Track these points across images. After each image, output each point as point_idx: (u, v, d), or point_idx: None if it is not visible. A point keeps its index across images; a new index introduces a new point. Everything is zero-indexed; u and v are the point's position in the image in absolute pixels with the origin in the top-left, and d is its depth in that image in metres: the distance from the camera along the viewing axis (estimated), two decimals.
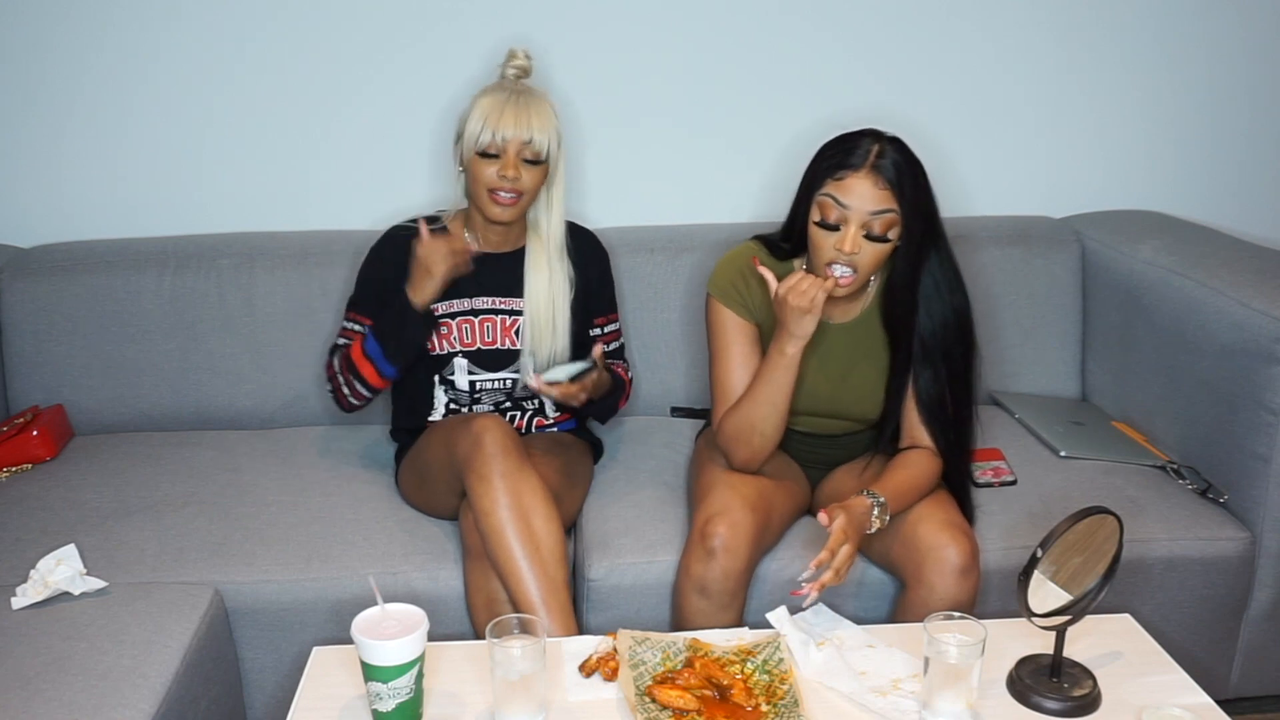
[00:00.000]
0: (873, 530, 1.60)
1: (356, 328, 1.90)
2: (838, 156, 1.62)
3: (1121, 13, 2.37)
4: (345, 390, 1.87)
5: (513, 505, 1.64)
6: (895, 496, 1.64)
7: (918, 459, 1.71)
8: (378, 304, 1.88)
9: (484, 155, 1.77)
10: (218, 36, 2.21)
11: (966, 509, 1.75)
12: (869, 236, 1.61)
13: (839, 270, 1.63)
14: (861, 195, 1.59)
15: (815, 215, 1.63)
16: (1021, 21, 2.36)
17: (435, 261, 1.78)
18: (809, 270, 1.68)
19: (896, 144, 1.63)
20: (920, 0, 2.32)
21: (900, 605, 1.68)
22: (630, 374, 2.05)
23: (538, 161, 1.78)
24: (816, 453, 1.88)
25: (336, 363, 1.87)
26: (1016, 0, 2.34)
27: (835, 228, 1.61)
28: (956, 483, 1.77)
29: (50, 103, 2.23)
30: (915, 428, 1.75)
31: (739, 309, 1.75)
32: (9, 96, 2.22)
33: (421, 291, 1.80)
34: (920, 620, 1.47)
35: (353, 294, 1.94)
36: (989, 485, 1.94)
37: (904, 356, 1.73)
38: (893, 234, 1.62)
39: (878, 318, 1.76)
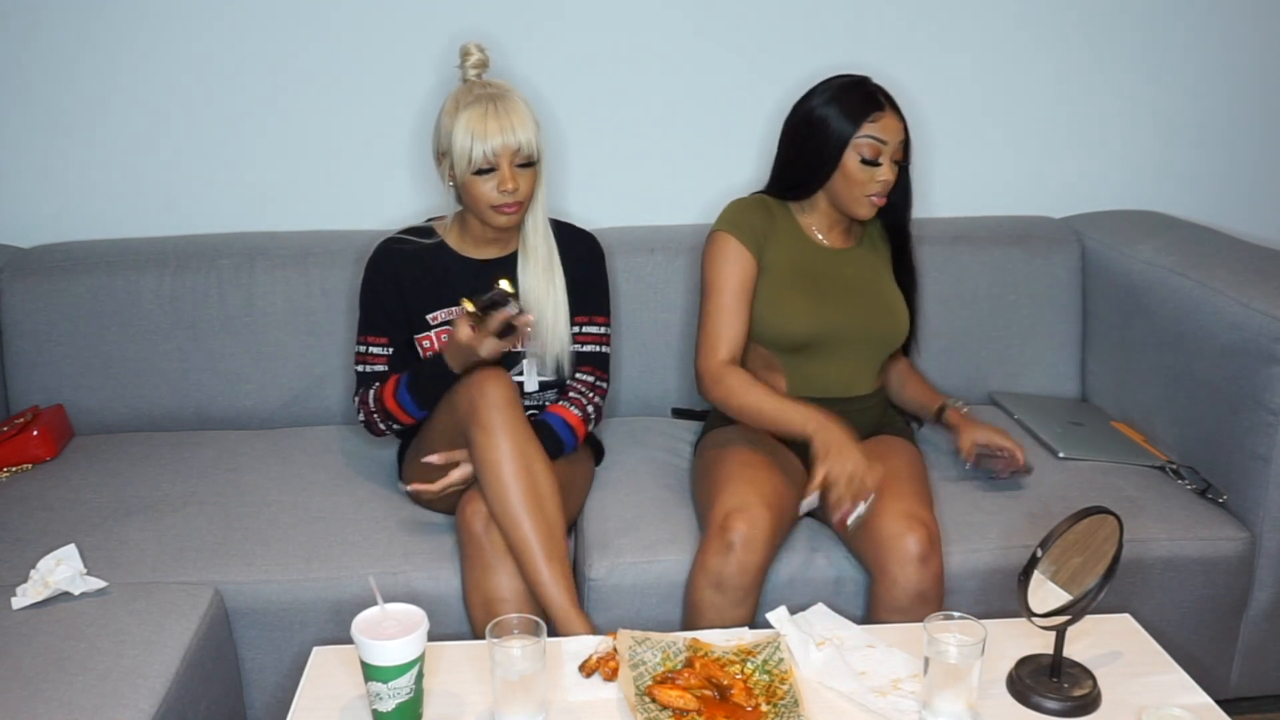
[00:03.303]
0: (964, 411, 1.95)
1: (376, 350, 1.88)
2: (859, 100, 1.78)
3: (1121, 13, 2.37)
4: (381, 426, 1.87)
5: (516, 456, 1.66)
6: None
7: (908, 367, 2.06)
8: (386, 322, 1.87)
9: (479, 173, 1.75)
10: (216, 37, 2.21)
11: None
12: (897, 162, 1.81)
13: (877, 197, 1.81)
14: (894, 129, 1.78)
15: (856, 158, 1.78)
16: (1021, 22, 2.36)
17: (488, 349, 1.70)
18: (843, 205, 1.84)
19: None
20: (919, 1, 2.32)
21: (870, 600, 1.70)
22: (592, 405, 1.91)
23: (530, 163, 1.77)
24: None
25: (371, 401, 1.85)
26: (1016, 0, 2.34)
27: (876, 163, 1.77)
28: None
29: (50, 103, 2.23)
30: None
31: (745, 238, 1.84)
32: (8, 97, 2.22)
33: (463, 366, 1.75)
34: (891, 615, 1.47)
35: (360, 318, 1.90)
36: (998, 477, 1.93)
37: (905, 263, 1.95)
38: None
39: (876, 232, 1.95)
